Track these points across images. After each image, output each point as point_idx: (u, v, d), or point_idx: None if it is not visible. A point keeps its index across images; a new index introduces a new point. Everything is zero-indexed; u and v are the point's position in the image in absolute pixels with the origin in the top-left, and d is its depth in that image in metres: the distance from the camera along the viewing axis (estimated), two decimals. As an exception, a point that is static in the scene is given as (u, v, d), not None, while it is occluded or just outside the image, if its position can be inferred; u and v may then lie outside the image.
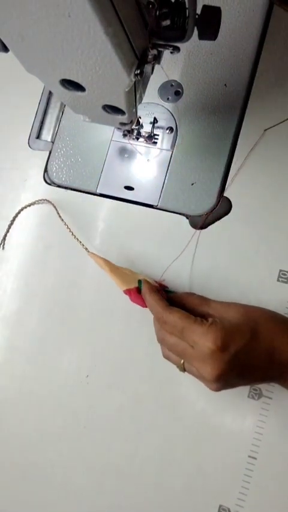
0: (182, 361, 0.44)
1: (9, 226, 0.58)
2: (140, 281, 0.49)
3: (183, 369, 0.45)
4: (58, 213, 0.56)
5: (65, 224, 0.55)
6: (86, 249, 0.53)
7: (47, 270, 0.56)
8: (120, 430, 0.52)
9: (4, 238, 0.58)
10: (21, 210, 0.58)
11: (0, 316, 0.56)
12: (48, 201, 0.57)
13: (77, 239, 0.54)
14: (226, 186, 0.54)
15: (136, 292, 0.49)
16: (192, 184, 0.54)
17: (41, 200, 0.57)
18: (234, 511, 0.48)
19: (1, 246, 0.58)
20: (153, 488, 0.50)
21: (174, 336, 0.44)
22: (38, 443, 0.53)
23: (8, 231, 0.58)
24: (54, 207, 0.56)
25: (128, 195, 0.56)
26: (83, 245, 0.54)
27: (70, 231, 0.54)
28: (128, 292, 0.50)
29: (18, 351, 0.55)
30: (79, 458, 0.52)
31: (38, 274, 0.56)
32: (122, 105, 0.38)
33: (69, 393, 0.53)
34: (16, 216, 0.58)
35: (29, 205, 0.58)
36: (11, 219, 0.58)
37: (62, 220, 0.55)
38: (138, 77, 0.33)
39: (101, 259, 0.51)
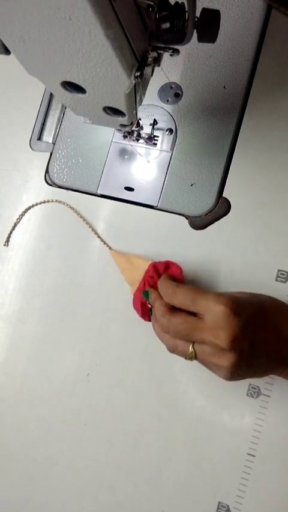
0: (191, 346, 0.43)
1: (16, 224, 0.58)
2: (146, 293, 0.49)
3: (193, 355, 0.43)
4: (77, 213, 0.57)
5: (87, 223, 0.56)
6: (110, 247, 0.55)
7: (48, 270, 0.57)
8: (120, 428, 0.52)
9: (9, 236, 0.58)
10: (29, 208, 0.58)
11: (2, 315, 0.57)
12: (63, 202, 0.57)
13: (100, 238, 0.56)
14: (225, 187, 0.54)
15: (138, 300, 0.50)
16: (192, 185, 0.55)
17: (53, 201, 0.58)
18: (233, 507, 0.48)
19: (6, 243, 0.58)
20: (152, 485, 0.50)
21: (183, 313, 0.43)
22: (39, 441, 0.54)
23: (13, 228, 0.58)
24: (72, 208, 0.57)
25: (128, 195, 0.57)
26: (106, 243, 0.55)
27: (93, 229, 0.56)
28: (134, 303, 0.51)
29: (20, 350, 0.56)
30: (79, 456, 0.53)
31: (40, 274, 0.57)
32: (122, 107, 0.38)
33: (70, 391, 0.54)
34: (23, 213, 0.58)
35: (37, 204, 0.58)
36: (17, 217, 0.58)
37: (84, 220, 0.56)
38: (138, 79, 0.33)
39: (121, 258, 0.53)
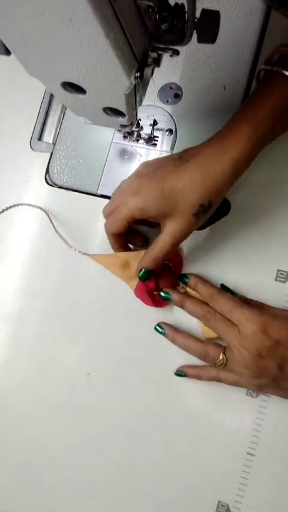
0: (222, 352, 0.47)
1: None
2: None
3: (224, 361, 0.47)
4: (51, 221, 0.56)
5: (58, 233, 0.56)
6: (84, 253, 0.54)
7: (49, 270, 0.57)
8: (120, 427, 0.52)
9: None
10: (10, 207, 0.58)
11: (2, 315, 0.57)
12: (41, 209, 0.57)
13: (72, 247, 0.55)
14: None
15: (143, 290, 0.51)
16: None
17: (35, 206, 0.58)
18: (233, 506, 0.48)
19: None
20: (152, 484, 0.51)
21: (221, 316, 0.47)
22: (39, 440, 0.54)
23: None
24: (47, 214, 0.57)
25: (128, 195, 0.57)
26: (82, 252, 0.54)
27: (65, 241, 0.55)
28: (139, 293, 0.52)
29: (20, 350, 0.56)
30: (80, 455, 0.53)
31: (40, 274, 0.57)
32: (122, 107, 0.38)
33: (70, 390, 0.54)
34: (2, 211, 0.58)
35: (19, 205, 0.58)
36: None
37: (56, 230, 0.56)
38: (138, 79, 0.33)
39: (102, 259, 0.53)
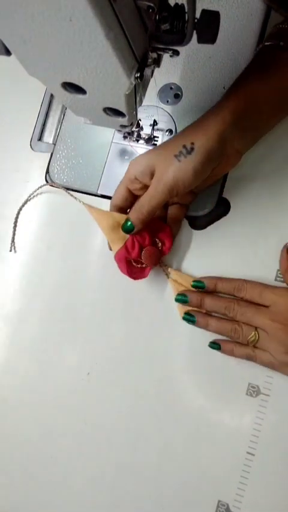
0: (254, 330, 0.47)
1: (15, 225, 0.58)
2: (181, 297, 0.51)
3: (256, 338, 0.47)
4: (67, 192, 0.57)
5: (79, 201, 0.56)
6: (85, 204, 0.55)
7: (49, 270, 0.57)
8: (120, 427, 0.52)
9: (13, 240, 0.58)
10: (25, 203, 0.59)
11: (3, 315, 0.57)
12: (52, 185, 0.58)
13: (79, 200, 0.56)
14: (225, 187, 0.54)
15: (123, 256, 0.51)
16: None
17: (43, 186, 0.58)
18: (233, 506, 0.49)
19: (12, 248, 0.58)
20: (152, 484, 0.51)
21: (250, 302, 0.48)
22: (39, 440, 0.54)
23: (14, 233, 0.58)
24: (65, 189, 0.57)
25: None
26: (81, 202, 0.55)
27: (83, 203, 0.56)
28: (119, 259, 0.51)
29: (21, 350, 0.56)
30: (79, 454, 0.53)
31: (40, 274, 0.57)
32: (122, 108, 0.38)
33: (71, 390, 0.54)
34: (21, 209, 0.59)
35: (32, 196, 0.59)
36: (14, 219, 0.58)
37: (76, 198, 0.56)
38: (139, 80, 0.33)
39: (96, 213, 0.53)
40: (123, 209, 0.52)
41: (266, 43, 0.49)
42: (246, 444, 0.49)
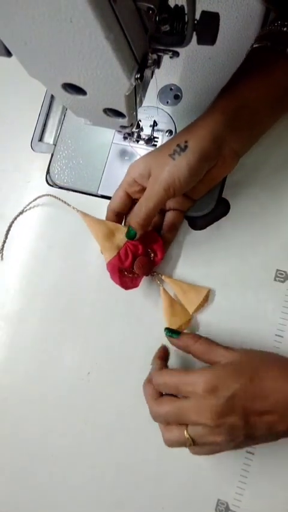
0: (185, 431, 0.42)
1: (7, 231, 0.59)
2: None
3: (191, 441, 0.42)
4: (62, 200, 0.57)
5: (74, 208, 0.56)
6: (79, 211, 0.55)
7: (49, 270, 0.57)
8: (120, 426, 0.52)
9: (2, 248, 0.58)
10: (21, 212, 0.59)
11: (3, 315, 0.57)
12: (50, 194, 0.58)
13: (73, 207, 0.56)
14: (224, 188, 0.54)
15: (116, 265, 0.51)
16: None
17: (41, 196, 0.58)
18: (232, 504, 0.49)
19: (0, 256, 0.58)
20: (152, 483, 0.51)
21: (170, 401, 0.43)
22: (40, 439, 0.54)
23: (6, 237, 0.59)
24: (59, 198, 0.57)
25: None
26: (77, 210, 0.55)
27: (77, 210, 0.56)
28: (111, 268, 0.51)
29: (21, 349, 0.56)
30: (80, 454, 0.53)
31: (40, 274, 0.57)
32: (122, 108, 0.38)
33: (71, 390, 0.54)
34: (17, 216, 0.59)
35: (31, 203, 0.59)
36: (17, 218, 0.59)
37: (73, 207, 0.56)
38: (139, 81, 0.33)
39: (90, 221, 0.53)
40: (120, 214, 0.52)
41: (254, 45, 0.49)
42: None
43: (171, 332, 0.49)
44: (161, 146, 0.48)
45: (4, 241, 0.58)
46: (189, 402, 0.42)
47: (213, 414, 0.40)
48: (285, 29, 0.47)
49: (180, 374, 0.43)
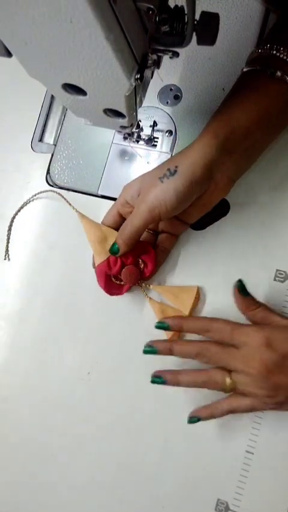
0: (229, 377, 0.44)
1: (10, 227, 0.59)
2: (161, 324, 0.49)
3: (231, 386, 0.44)
4: (64, 199, 0.57)
5: (74, 209, 0.56)
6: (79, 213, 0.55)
7: (50, 270, 0.57)
8: (120, 426, 0.52)
9: (7, 248, 0.59)
10: (21, 207, 0.59)
11: (3, 314, 0.57)
12: (53, 191, 0.58)
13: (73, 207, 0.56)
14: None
15: (104, 271, 0.51)
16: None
17: (43, 192, 0.58)
18: (232, 504, 0.49)
19: (6, 256, 0.58)
20: (152, 482, 0.51)
21: (219, 344, 0.45)
22: (40, 439, 0.54)
23: (9, 236, 0.59)
24: (61, 195, 0.57)
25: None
26: (77, 211, 0.55)
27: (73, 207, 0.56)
28: (99, 273, 0.52)
29: (21, 349, 0.56)
30: (80, 453, 0.53)
31: (41, 274, 0.57)
32: (122, 109, 0.38)
33: (71, 389, 0.54)
34: (19, 210, 0.59)
35: (33, 199, 0.59)
36: (18, 218, 0.59)
37: (73, 208, 0.56)
38: (138, 81, 0.33)
39: (86, 223, 0.53)
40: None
41: (244, 69, 0.49)
42: (246, 443, 0.49)
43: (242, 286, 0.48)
44: (154, 168, 0.48)
45: (8, 239, 0.58)
46: (239, 351, 0.44)
47: (262, 366, 0.42)
48: (274, 51, 0.46)
49: (236, 323, 0.45)
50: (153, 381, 0.48)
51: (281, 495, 0.48)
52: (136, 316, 0.54)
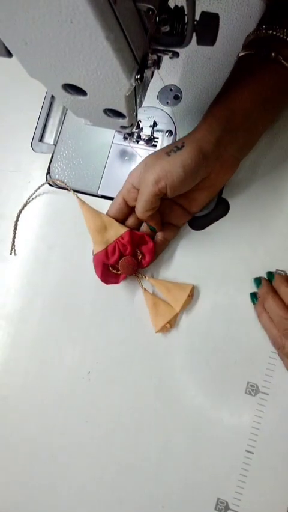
0: None
1: (16, 222, 0.59)
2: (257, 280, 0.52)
3: None
4: (63, 183, 0.57)
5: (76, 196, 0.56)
6: (79, 197, 0.56)
7: (50, 269, 0.57)
8: (120, 425, 0.52)
9: (13, 244, 0.59)
10: (25, 205, 0.59)
11: (4, 314, 0.57)
12: (52, 180, 0.58)
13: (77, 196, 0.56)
14: (224, 188, 0.54)
15: (101, 260, 0.52)
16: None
17: (43, 184, 0.59)
18: (232, 503, 0.49)
19: (12, 251, 0.58)
20: (152, 481, 0.51)
21: None
22: (40, 439, 0.54)
23: (15, 232, 0.59)
24: (62, 182, 0.58)
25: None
26: (77, 196, 0.56)
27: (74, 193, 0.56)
28: (96, 261, 0.52)
29: (22, 349, 0.56)
30: (80, 453, 0.53)
31: (41, 274, 0.57)
32: (122, 109, 0.38)
33: (71, 389, 0.54)
34: (23, 208, 0.59)
35: (34, 194, 0.59)
36: (15, 219, 0.59)
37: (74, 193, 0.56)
38: (138, 81, 0.33)
39: (86, 210, 0.54)
40: (118, 221, 0.53)
41: (240, 54, 0.50)
42: (245, 443, 0.49)
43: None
44: (159, 149, 0.48)
45: (14, 235, 0.59)
46: None
47: None
48: (270, 31, 0.47)
49: None
50: (252, 294, 0.52)
51: (281, 495, 0.48)
52: (136, 316, 0.54)
